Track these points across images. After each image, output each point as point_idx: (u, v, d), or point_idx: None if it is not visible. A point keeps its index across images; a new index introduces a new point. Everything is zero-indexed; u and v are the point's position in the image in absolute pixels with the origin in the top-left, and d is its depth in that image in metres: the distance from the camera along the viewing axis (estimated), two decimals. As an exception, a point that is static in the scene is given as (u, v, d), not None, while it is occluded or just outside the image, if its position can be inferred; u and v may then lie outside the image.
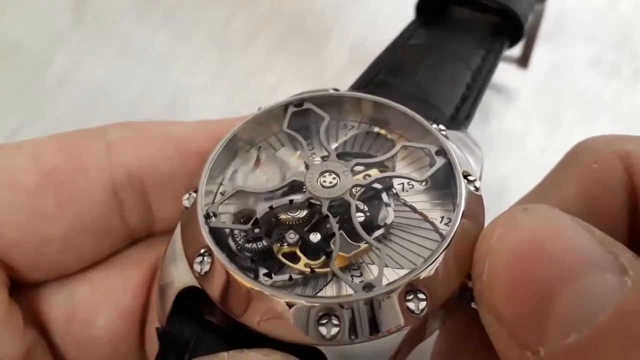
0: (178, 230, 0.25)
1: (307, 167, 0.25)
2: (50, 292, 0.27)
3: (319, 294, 0.22)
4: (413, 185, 0.26)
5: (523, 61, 0.48)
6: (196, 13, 0.56)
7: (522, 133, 0.49)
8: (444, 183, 0.25)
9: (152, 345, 0.28)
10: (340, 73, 0.52)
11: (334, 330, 0.20)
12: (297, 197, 0.24)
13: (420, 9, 0.40)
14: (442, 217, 0.24)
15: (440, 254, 0.21)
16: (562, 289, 0.18)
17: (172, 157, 0.28)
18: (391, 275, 0.22)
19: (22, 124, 0.47)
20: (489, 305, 0.20)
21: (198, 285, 0.22)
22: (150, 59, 0.52)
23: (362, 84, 0.32)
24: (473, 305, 0.22)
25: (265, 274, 0.23)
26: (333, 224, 0.23)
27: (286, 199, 0.24)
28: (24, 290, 0.27)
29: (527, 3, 0.40)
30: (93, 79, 0.50)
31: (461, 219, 0.22)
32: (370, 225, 0.24)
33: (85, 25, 0.54)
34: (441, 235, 0.24)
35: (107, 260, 0.28)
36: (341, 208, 0.24)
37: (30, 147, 0.27)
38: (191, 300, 0.23)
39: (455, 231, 0.22)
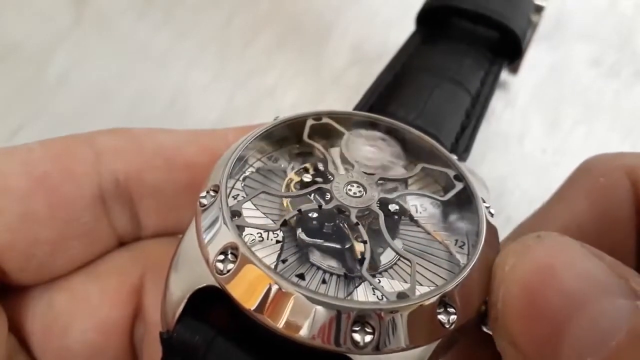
0: (192, 229, 0.24)
1: (331, 176, 0.26)
2: (33, 298, 0.27)
3: (344, 298, 0.22)
4: (426, 209, 0.26)
5: (513, 68, 0.48)
6: (196, 13, 0.56)
7: (521, 133, 0.49)
8: (455, 207, 0.26)
9: (150, 356, 0.27)
10: (340, 73, 0.52)
11: (368, 337, 0.19)
12: (326, 204, 0.24)
13: (420, 20, 0.40)
14: (456, 241, 0.25)
15: (469, 269, 0.22)
16: (575, 315, 0.18)
17: (160, 168, 0.28)
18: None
19: (22, 124, 0.47)
20: (505, 332, 0.20)
21: (217, 284, 0.21)
22: (150, 58, 0.52)
23: (363, 108, 0.32)
24: (484, 328, 0.22)
25: (298, 275, 0.22)
26: (363, 232, 0.23)
27: (314, 204, 0.24)
28: (9, 295, 0.27)
29: (525, 19, 0.40)
30: (93, 79, 0.50)
31: (485, 237, 0.23)
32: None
33: (85, 25, 0.54)
34: (456, 258, 0.24)
35: (91, 266, 0.28)
36: (368, 218, 0.24)
37: (21, 153, 0.27)
38: (204, 303, 0.22)
39: (481, 249, 0.22)
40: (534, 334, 0.19)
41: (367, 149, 0.27)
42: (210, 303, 0.22)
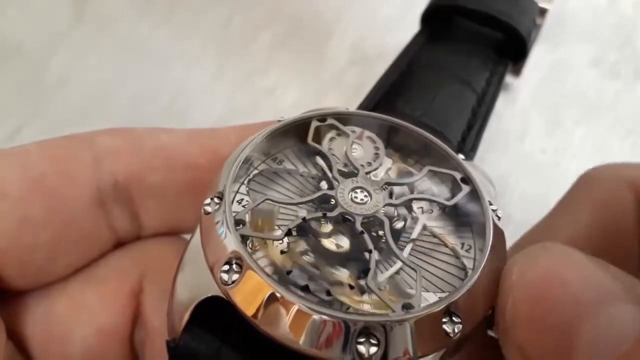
0: (197, 237, 0.24)
1: (336, 181, 0.25)
2: (31, 304, 0.27)
3: (349, 310, 0.22)
4: (432, 211, 0.26)
5: (516, 70, 0.48)
6: (196, 13, 0.56)
7: (521, 132, 0.49)
8: (462, 210, 0.26)
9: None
10: (340, 73, 0.52)
11: (373, 349, 0.19)
12: (330, 212, 0.24)
13: (425, 19, 0.39)
14: (463, 244, 0.25)
15: (476, 278, 0.21)
16: (584, 321, 0.18)
17: (160, 169, 0.28)
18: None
19: (22, 124, 0.47)
20: (513, 341, 0.20)
21: (222, 295, 0.21)
22: (150, 58, 0.52)
23: (369, 105, 0.32)
24: (489, 332, 0.22)
25: (302, 287, 0.22)
26: (368, 241, 0.23)
27: (319, 212, 0.24)
28: (7, 300, 0.27)
29: (531, 20, 0.40)
30: (93, 79, 0.50)
31: (491, 244, 0.23)
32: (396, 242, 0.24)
33: (85, 25, 0.54)
34: (463, 262, 0.24)
35: (89, 269, 0.28)
36: (373, 225, 0.24)
37: (18, 155, 0.26)
38: (210, 312, 0.22)
39: (488, 256, 0.22)
40: (543, 342, 0.19)
41: (350, 148, 0.27)
42: (216, 312, 0.22)
